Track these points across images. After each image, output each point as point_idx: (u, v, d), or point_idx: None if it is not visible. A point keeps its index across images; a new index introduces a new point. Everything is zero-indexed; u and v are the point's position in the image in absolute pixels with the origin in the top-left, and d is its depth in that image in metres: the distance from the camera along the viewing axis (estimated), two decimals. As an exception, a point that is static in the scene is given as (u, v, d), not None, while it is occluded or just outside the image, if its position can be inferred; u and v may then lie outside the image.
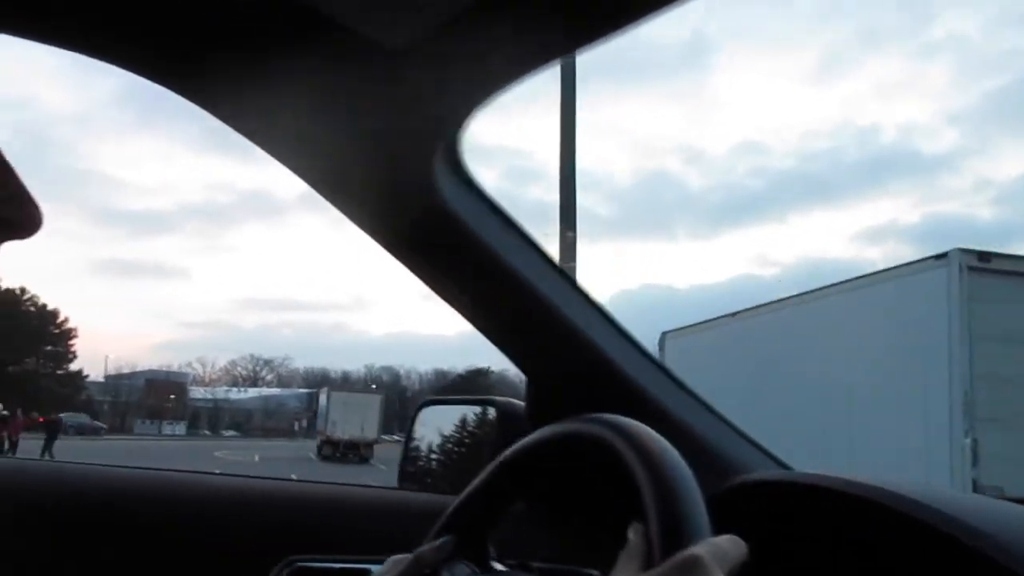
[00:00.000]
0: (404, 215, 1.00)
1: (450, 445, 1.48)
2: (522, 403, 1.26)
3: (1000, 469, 7.83)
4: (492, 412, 1.34)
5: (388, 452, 36.63)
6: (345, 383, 66.20)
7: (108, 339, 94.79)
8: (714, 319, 12.20)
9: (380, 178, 0.95)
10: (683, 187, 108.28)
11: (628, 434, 0.63)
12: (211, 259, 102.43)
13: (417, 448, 1.51)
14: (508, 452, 0.79)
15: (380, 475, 24.53)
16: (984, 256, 8.56)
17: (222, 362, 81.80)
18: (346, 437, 32.76)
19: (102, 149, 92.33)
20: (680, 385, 1.13)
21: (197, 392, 70.56)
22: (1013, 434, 8.22)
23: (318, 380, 68.99)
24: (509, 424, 1.27)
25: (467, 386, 61.95)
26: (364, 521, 1.26)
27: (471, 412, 1.45)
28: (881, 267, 9.83)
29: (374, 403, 34.81)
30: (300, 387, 71.25)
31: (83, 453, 24.31)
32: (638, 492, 0.58)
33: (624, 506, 0.60)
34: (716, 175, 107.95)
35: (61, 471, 1.35)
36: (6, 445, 22.03)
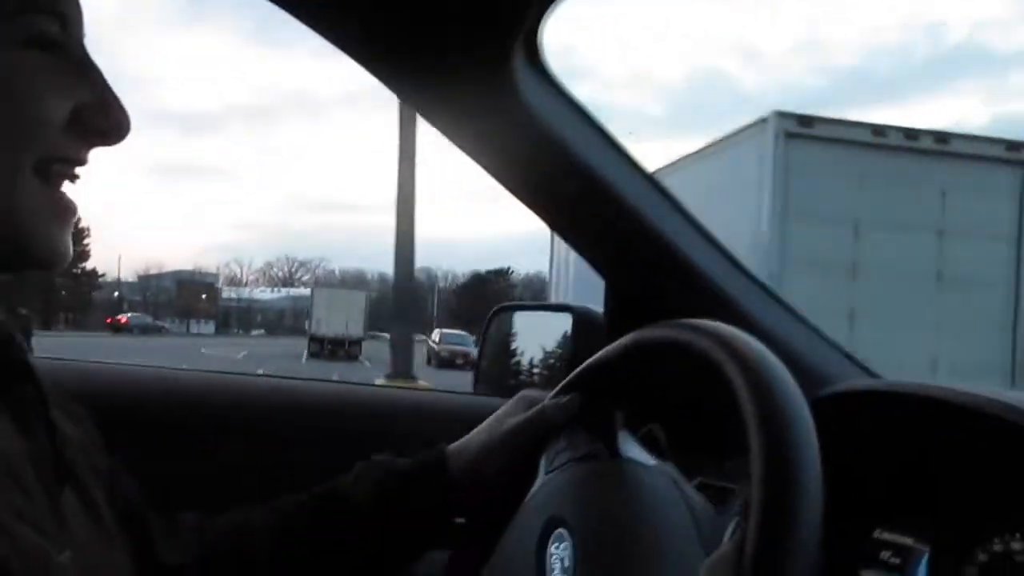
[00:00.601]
0: (479, 108, 0.97)
1: (525, 351, 1.49)
2: (599, 310, 1.23)
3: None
4: (569, 318, 1.33)
5: (376, 351, 36.74)
6: (382, 283, 67.09)
7: (149, 241, 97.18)
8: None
9: (454, 68, 0.91)
10: (738, 85, 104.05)
11: (754, 372, 0.54)
12: (255, 161, 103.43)
13: (491, 353, 1.54)
14: (637, 333, 0.73)
15: (364, 372, 24.46)
16: (805, 120, 7.34)
17: (259, 263, 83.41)
18: (331, 334, 32.71)
19: (148, 52, 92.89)
20: (766, 290, 1.08)
21: (228, 292, 72.13)
22: (825, 326, 7.17)
23: (354, 281, 69.89)
24: (586, 331, 1.27)
25: (487, 286, 61.99)
26: (442, 425, 1.20)
27: (547, 318, 1.46)
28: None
29: (358, 300, 34.66)
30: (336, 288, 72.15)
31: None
32: (746, 433, 0.50)
33: (715, 415, 0.60)
34: (773, 72, 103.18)
35: (155, 375, 1.37)
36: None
